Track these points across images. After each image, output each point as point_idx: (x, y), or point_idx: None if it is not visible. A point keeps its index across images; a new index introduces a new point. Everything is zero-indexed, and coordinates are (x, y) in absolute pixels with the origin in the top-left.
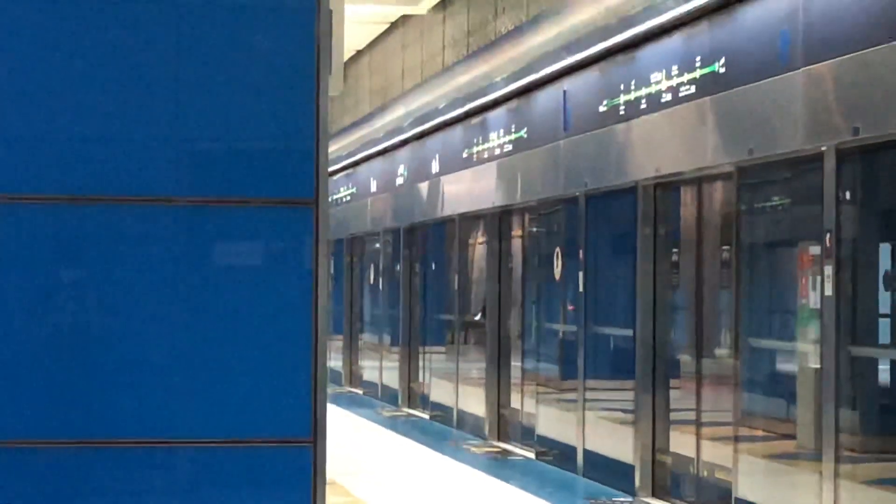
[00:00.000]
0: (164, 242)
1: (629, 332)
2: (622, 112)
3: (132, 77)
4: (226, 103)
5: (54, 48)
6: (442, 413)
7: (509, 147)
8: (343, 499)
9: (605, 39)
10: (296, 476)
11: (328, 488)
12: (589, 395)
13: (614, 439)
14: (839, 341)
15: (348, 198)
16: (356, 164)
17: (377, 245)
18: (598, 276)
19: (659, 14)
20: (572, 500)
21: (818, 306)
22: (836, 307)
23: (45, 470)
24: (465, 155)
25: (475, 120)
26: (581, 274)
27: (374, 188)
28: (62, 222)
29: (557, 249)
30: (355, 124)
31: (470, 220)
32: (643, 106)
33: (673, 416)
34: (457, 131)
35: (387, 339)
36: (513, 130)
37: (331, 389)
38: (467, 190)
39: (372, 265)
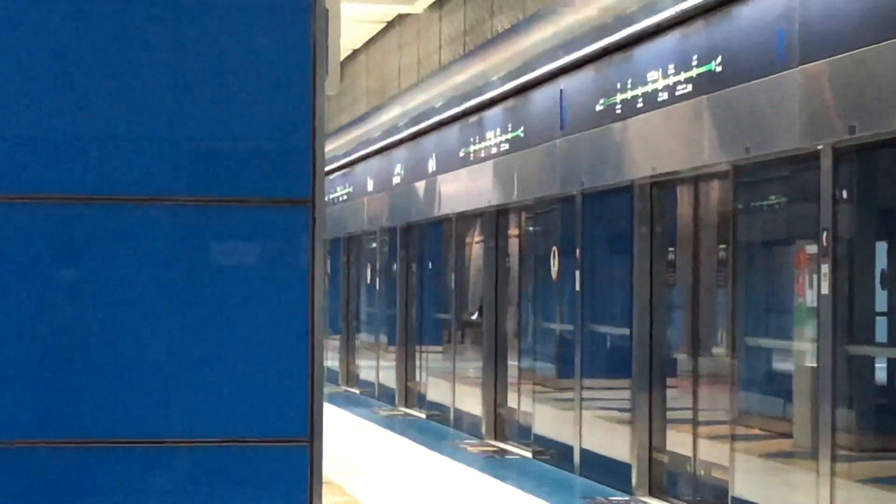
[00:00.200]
0: (159, 242)
1: (626, 331)
2: (619, 111)
3: (128, 77)
4: (222, 103)
5: (50, 48)
6: (439, 412)
7: (506, 146)
8: (340, 498)
9: (601, 38)
10: (292, 475)
11: (325, 488)
12: (586, 394)
13: (611, 438)
14: (836, 340)
15: (345, 197)
16: (353, 163)
17: (374, 244)
18: (594, 275)
19: (655, 13)
20: (569, 499)
21: (815, 305)
22: (832, 306)
23: (42, 469)
24: (461, 154)
25: (472, 119)
26: (578, 273)
27: (370, 187)
28: (58, 222)
29: (554, 248)
30: (352, 123)
31: (466, 219)
32: (640, 105)
33: (670, 414)
34: (453, 130)
35: (383, 338)
36: (509, 129)
37: (327, 389)
38: (464, 189)
39: (368, 264)
